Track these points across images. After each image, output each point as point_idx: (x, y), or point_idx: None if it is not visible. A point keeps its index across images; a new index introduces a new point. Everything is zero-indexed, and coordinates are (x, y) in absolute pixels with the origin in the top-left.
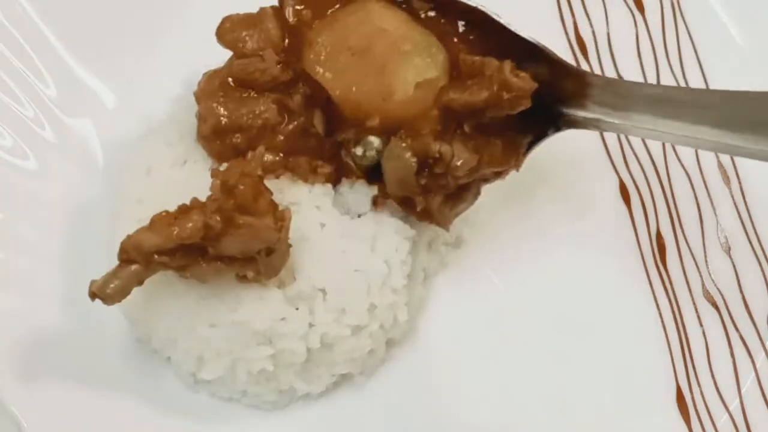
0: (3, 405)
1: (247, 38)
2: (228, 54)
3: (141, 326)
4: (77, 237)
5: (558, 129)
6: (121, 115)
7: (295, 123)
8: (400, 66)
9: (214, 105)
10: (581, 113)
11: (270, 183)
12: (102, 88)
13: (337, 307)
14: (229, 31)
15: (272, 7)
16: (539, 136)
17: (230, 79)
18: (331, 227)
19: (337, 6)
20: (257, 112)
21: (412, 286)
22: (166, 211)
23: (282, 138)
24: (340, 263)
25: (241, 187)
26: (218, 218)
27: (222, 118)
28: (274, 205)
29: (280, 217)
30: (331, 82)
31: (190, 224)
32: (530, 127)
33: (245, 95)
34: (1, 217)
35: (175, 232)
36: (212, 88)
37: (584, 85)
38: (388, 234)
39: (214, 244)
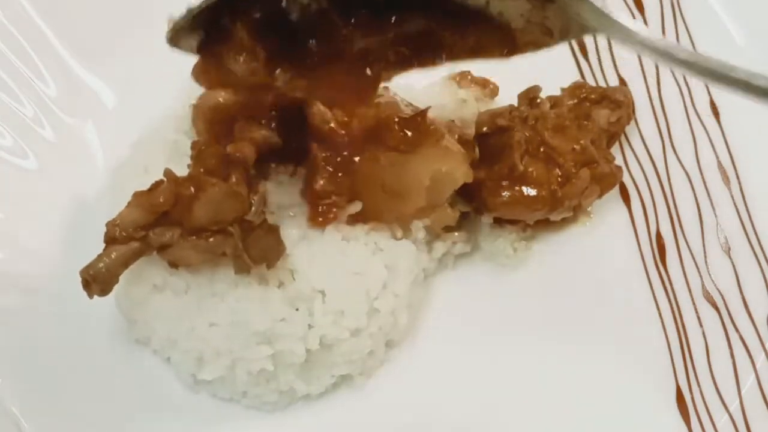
0: (3, 405)
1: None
2: None
3: (141, 327)
4: (77, 237)
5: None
6: (121, 115)
7: None
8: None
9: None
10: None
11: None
12: (102, 88)
13: (336, 309)
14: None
15: None
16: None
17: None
18: (333, 229)
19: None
20: None
21: (412, 287)
22: None
23: None
24: (340, 265)
25: (209, 151)
26: (189, 186)
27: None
28: (248, 180)
29: (254, 191)
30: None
31: (162, 192)
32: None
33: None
34: (1, 217)
35: (149, 201)
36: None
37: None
38: (391, 238)
39: (187, 216)
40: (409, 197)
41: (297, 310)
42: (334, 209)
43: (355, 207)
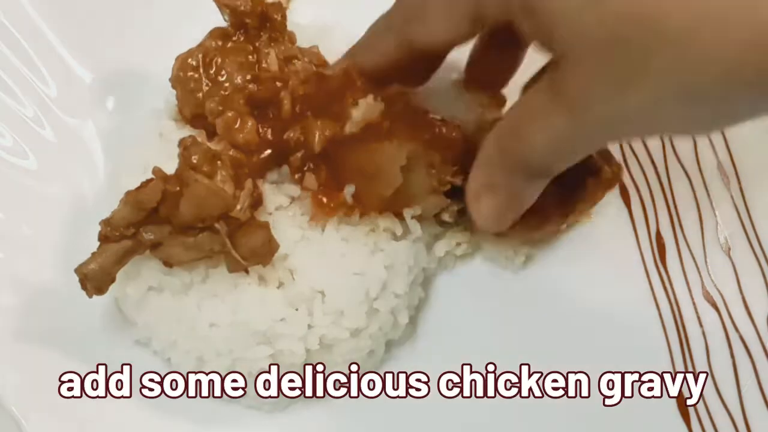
0: (3, 405)
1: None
2: None
3: (141, 329)
4: (77, 237)
5: None
6: (121, 115)
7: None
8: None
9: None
10: None
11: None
12: (102, 88)
13: (336, 309)
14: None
15: None
16: None
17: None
18: (332, 229)
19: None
20: None
21: (412, 287)
22: None
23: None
24: (340, 266)
25: (194, 148)
26: (175, 183)
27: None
28: (234, 178)
29: (240, 186)
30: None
31: (149, 189)
32: None
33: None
34: (1, 217)
35: (137, 198)
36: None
37: None
38: (391, 238)
39: (174, 213)
40: (386, 176)
41: (297, 310)
42: (332, 203)
43: (350, 189)
